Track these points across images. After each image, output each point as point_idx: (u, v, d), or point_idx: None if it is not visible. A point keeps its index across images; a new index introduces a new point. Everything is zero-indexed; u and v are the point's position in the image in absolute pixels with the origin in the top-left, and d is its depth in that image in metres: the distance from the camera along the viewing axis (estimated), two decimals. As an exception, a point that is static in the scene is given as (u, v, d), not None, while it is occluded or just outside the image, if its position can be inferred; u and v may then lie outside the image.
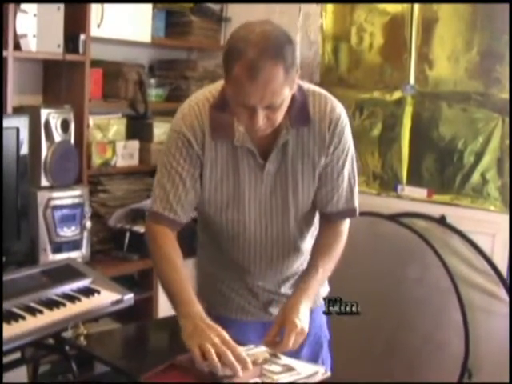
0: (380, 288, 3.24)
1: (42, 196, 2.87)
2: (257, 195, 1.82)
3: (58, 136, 2.92)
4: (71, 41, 3.03)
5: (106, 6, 3.16)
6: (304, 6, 3.61)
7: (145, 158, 3.50)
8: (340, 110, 1.82)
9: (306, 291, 1.77)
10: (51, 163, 2.90)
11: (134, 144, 3.47)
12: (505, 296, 3.02)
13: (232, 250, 1.90)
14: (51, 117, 2.89)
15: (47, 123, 2.89)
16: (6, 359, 2.18)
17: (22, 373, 2.60)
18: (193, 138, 1.76)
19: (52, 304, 2.12)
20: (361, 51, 3.48)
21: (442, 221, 3.22)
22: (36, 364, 2.50)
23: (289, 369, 1.61)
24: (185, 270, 1.74)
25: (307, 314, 1.72)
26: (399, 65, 3.34)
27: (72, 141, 3.00)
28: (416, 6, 3.26)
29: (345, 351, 2.55)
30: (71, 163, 2.99)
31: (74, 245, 2.99)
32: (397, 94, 3.36)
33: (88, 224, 3.05)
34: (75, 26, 3.02)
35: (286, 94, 1.61)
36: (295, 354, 1.70)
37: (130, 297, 2.27)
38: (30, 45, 2.86)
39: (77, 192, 3.01)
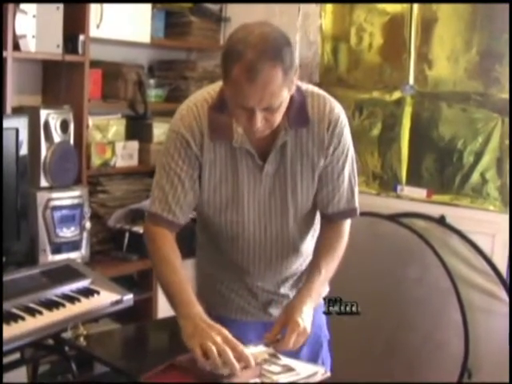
0: (380, 288, 3.24)
1: (41, 196, 2.87)
2: (256, 196, 1.81)
3: (57, 136, 2.92)
4: (70, 41, 3.03)
5: (106, 6, 3.16)
6: (303, 6, 3.60)
7: (144, 159, 3.50)
8: (339, 111, 1.81)
9: (310, 292, 1.77)
10: (51, 164, 2.90)
11: (134, 144, 3.47)
12: (504, 296, 3.02)
13: (231, 250, 1.90)
14: (50, 117, 2.89)
15: (46, 124, 2.88)
16: (6, 360, 2.18)
17: (21, 373, 2.60)
18: (191, 138, 1.76)
19: (51, 304, 2.12)
20: (360, 51, 3.47)
21: (441, 221, 3.21)
22: (36, 364, 2.51)
23: (288, 369, 1.61)
24: (184, 271, 1.74)
25: (310, 315, 1.73)
26: (399, 65, 3.34)
27: (71, 141, 3.00)
28: (415, 5, 3.26)
29: (345, 351, 2.55)
30: (70, 164, 2.99)
31: (74, 245, 2.99)
32: (396, 94, 3.36)
33: (87, 224, 3.05)
34: (74, 26, 3.02)
35: (285, 96, 1.61)
36: (295, 354, 1.71)
37: (129, 297, 2.27)
38: (30, 45, 2.85)
39: (76, 192, 3.01)
